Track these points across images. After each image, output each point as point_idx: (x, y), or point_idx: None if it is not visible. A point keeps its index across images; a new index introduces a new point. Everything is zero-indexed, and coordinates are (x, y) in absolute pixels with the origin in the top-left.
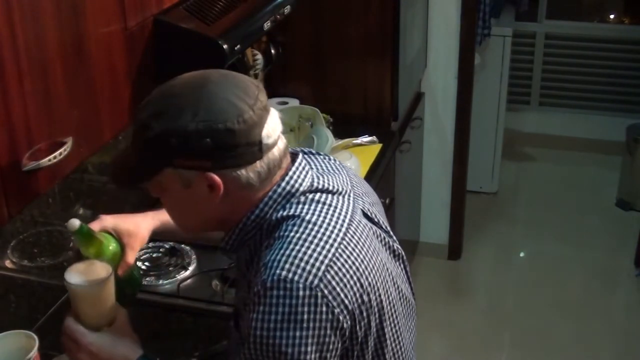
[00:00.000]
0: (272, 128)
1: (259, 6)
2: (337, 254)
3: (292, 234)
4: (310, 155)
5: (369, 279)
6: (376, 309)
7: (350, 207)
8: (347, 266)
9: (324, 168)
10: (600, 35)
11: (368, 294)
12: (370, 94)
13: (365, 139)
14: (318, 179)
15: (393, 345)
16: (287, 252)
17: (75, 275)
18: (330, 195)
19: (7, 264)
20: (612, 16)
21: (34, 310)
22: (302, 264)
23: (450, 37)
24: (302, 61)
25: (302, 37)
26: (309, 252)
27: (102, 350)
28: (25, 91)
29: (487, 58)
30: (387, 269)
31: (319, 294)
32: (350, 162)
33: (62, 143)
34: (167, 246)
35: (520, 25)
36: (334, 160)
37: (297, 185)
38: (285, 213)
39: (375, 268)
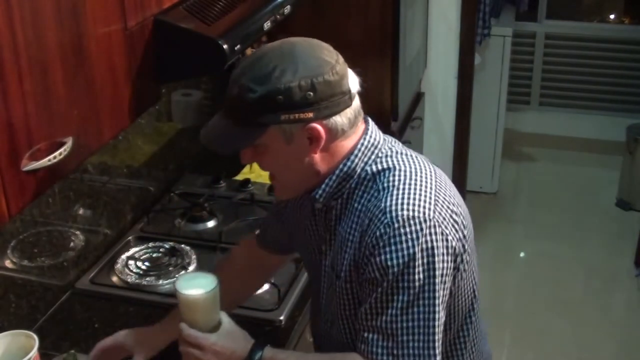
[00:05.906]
0: (353, 78)
1: (259, 6)
2: (436, 192)
3: (395, 183)
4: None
5: (463, 216)
6: (469, 248)
7: (423, 157)
8: (447, 202)
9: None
10: (600, 35)
11: (465, 229)
12: (370, 94)
13: None
14: (385, 139)
15: (477, 295)
16: (400, 197)
17: (186, 288)
18: (402, 147)
19: (7, 264)
20: (612, 16)
21: (34, 310)
22: (417, 202)
23: (450, 37)
24: None
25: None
26: (417, 193)
27: (225, 347)
28: (25, 91)
29: (487, 58)
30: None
31: (435, 223)
32: None
33: (62, 143)
34: (167, 246)
35: (520, 25)
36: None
37: (378, 138)
38: (379, 167)
39: (463, 207)
